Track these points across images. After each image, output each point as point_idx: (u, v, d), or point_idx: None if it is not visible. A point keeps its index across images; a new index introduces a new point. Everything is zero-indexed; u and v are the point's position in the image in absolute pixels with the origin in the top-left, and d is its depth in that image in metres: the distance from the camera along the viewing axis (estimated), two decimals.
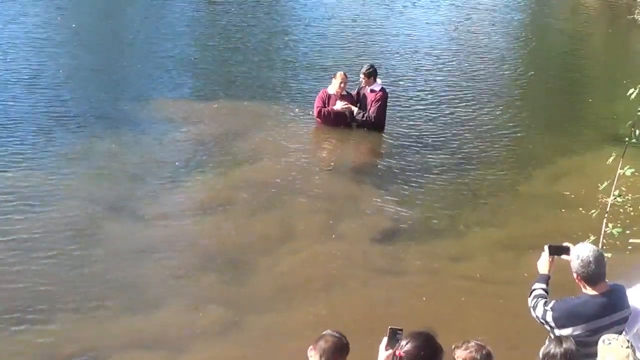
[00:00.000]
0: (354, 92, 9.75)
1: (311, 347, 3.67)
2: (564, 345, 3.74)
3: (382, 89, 9.65)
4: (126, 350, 5.60)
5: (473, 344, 3.53)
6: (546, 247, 4.46)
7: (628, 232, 6.30)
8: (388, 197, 8.09)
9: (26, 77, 10.53)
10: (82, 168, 8.21)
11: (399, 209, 7.87)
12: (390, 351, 3.42)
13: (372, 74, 9.57)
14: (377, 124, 9.57)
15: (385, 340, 3.51)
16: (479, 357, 3.43)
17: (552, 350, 3.74)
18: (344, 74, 9.61)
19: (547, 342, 3.92)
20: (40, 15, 13.36)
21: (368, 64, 9.79)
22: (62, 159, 8.37)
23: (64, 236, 6.90)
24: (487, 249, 7.21)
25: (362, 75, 9.58)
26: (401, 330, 3.48)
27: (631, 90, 5.67)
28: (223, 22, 14.31)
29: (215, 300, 6.22)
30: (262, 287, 6.46)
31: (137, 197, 7.72)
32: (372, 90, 9.58)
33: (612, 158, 5.73)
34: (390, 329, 3.51)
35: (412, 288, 6.53)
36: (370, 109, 9.50)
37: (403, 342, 3.36)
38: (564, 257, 4.36)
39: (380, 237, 7.31)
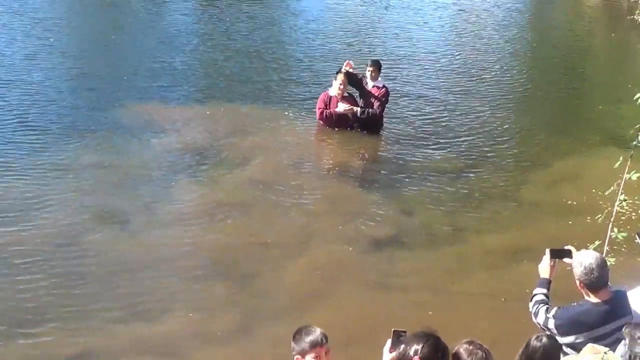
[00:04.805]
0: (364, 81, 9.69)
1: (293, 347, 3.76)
2: (543, 340, 3.75)
3: (385, 86, 9.78)
4: (131, 357, 5.57)
5: (473, 344, 3.49)
6: (547, 251, 4.46)
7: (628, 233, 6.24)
8: (390, 202, 8.05)
9: (12, 87, 10.39)
10: (79, 176, 8.12)
11: (400, 214, 7.85)
12: (394, 353, 3.40)
13: (380, 68, 9.74)
14: (378, 119, 9.68)
15: (389, 342, 3.50)
16: (478, 355, 3.40)
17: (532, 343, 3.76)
18: (344, 75, 9.58)
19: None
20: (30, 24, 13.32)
21: (375, 59, 10.02)
22: (57, 168, 8.24)
23: (66, 244, 6.84)
24: (489, 259, 7.14)
25: (371, 68, 9.62)
26: (405, 332, 3.47)
27: (638, 95, 5.64)
28: (217, 26, 14.28)
29: (219, 308, 6.17)
30: (268, 294, 6.41)
31: (136, 205, 7.64)
32: (375, 86, 9.65)
33: (618, 162, 5.66)
34: (394, 331, 3.50)
35: (417, 300, 6.46)
36: (374, 105, 9.56)
37: (417, 347, 3.27)
38: (565, 260, 4.35)
39: (384, 245, 7.24)
